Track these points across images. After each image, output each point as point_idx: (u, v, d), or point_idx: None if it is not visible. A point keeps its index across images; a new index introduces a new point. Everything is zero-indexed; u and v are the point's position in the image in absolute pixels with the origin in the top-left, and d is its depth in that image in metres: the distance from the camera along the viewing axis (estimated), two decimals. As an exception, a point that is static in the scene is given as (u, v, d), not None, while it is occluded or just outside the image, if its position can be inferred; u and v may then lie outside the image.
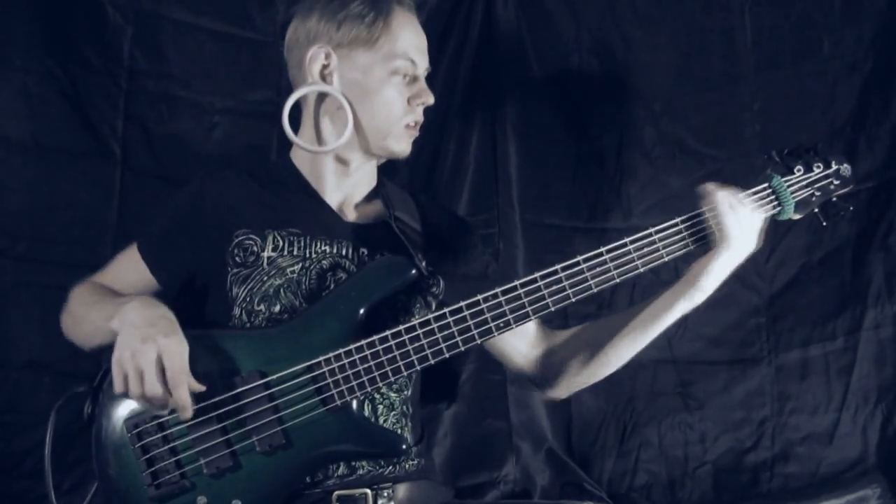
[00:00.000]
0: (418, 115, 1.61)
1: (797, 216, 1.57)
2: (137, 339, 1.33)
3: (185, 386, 1.34)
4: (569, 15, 2.41)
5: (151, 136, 2.20)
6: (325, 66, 1.57)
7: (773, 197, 1.53)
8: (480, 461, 2.37)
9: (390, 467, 1.50)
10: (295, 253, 1.53)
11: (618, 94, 2.40)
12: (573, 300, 1.44)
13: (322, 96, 1.61)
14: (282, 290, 1.51)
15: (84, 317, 1.57)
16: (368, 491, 1.45)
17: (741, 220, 1.47)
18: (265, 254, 1.52)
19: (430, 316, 1.41)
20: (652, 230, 1.47)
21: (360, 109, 1.57)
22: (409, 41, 1.58)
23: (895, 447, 2.26)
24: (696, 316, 2.31)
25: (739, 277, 2.31)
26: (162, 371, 1.33)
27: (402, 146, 1.61)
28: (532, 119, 2.44)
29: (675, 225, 1.49)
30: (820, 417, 2.31)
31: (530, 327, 1.67)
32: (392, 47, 1.56)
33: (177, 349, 1.34)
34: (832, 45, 2.29)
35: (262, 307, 1.50)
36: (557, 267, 1.44)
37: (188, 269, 1.58)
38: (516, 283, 1.42)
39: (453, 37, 2.39)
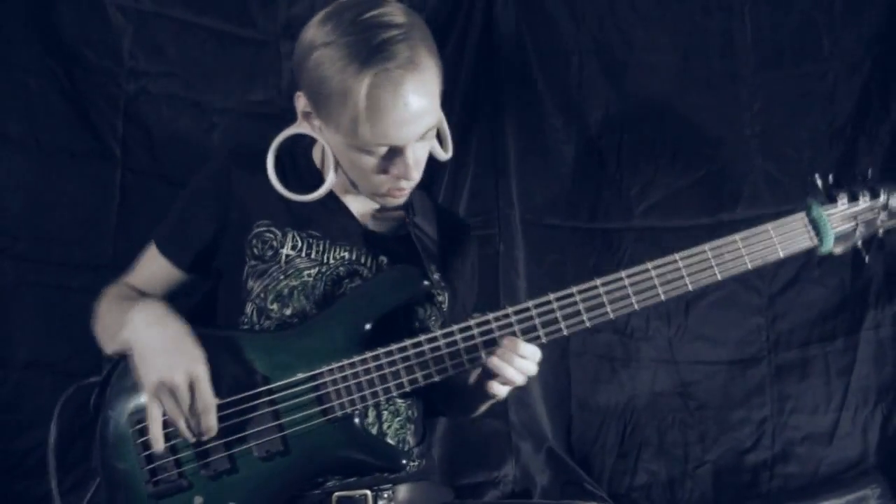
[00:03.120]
0: (401, 186, 1.44)
1: (837, 251, 1.45)
2: (165, 368, 1.33)
3: (214, 412, 1.35)
4: (569, 15, 2.41)
5: (151, 136, 2.20)
6: (308, 114, 1.45)
7: (811, 228, 1.43)
8: (480, 461, 2.37)
9: (390, 468, 1.50)
10: (313, 256, 1.49)
11: (618, 94, 2.40)
12: (588, 325, 1.39)
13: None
14: (295, 293, 1.48)
15: (104, 322, 1.53)
16: (368, 492, 1.43)
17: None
18: (284, 251, 1.48)
19: (438, 333, 1.39)
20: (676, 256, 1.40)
21: (342, 163, 1.46)
22: (387, 127, 1.35)
23: (895, 447, 2.27)
24: (697, 316, 2.35)
25: (739, 278, 2.32)
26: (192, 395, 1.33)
27: (387, 202, 1.49)
28: (532, 119, 2.44)
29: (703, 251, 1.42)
30: (820, 417, 2.31)
31: None
32: (364, 139, 1.36)
33: (204, 375, 1.34)
34: (832, 45, 2.29)
35: (274, 307, 1.48)
36: (574, 289, 1.38)
37: (208, 250, 1.52)
38: (529, 303, 1.38)
39: (453, 37, 2.39)
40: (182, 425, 1.34)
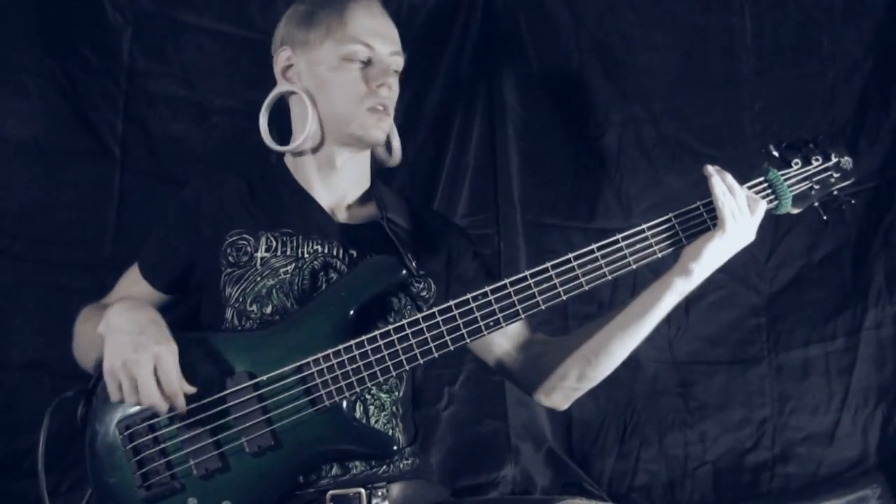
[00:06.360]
0: (381, 98, 1.59)
1: (795, 211, 1.55)
2: (129, 347, 1.35)
3: (181, 392, 1.36)
4: (569, 15, 2.41)
5: (151, 136, 2.20)
6: (288, 67, 1.63)
7: (769, 191, 1.51)
8: (479, 462, 2.37)
9: (384, 467, 1.50)
10: (288, 253, 1.53)
11: (618, 94, 2.41)
12: (564, 298, 1.43)
13: (292, 97, 1.64)
14: (274, 291, 1.51)
15: (81, 334, 1.61)
16: (362, 490, 1.45)
17: (739, 206, 1.43)
18: (259, 254, 1.52)
19: (419, 315, 1.41)
20: (644, 227, 1.46)
21: (320, 101, 1.59)
22: (362, 25, 1.58)
23: (895, 447, 2.26)
24: (697, 316, 2.35)
25: (739, 277, 2.33)
26: (156, 378, 1.34)
27: (368, 132, 1.60)
28: (532, 119, 2.44)
29: (668, 220, 1.47)
30: (820, 417, 2.30)
31: (519, 330, 1.66)
32: (343, 33, 1.57)
33: (169, 356, 1.36)
34: (832, 45, 2.29)
35: (254, 308, 1.51)
36: (548, 265, 1.43)
37: (185, 273, 1.60)
38: (506, 281, 1.42)
39: (453, 37, 2.39)
40: (143, 403, 1.34)
